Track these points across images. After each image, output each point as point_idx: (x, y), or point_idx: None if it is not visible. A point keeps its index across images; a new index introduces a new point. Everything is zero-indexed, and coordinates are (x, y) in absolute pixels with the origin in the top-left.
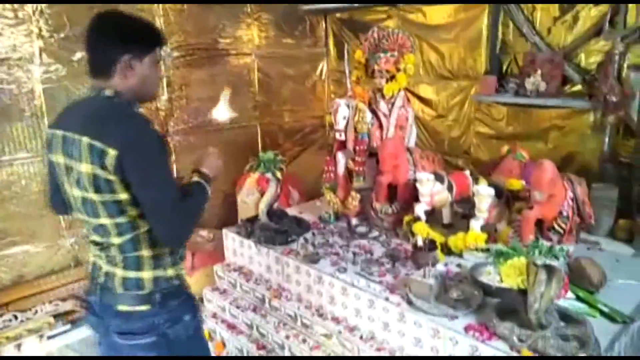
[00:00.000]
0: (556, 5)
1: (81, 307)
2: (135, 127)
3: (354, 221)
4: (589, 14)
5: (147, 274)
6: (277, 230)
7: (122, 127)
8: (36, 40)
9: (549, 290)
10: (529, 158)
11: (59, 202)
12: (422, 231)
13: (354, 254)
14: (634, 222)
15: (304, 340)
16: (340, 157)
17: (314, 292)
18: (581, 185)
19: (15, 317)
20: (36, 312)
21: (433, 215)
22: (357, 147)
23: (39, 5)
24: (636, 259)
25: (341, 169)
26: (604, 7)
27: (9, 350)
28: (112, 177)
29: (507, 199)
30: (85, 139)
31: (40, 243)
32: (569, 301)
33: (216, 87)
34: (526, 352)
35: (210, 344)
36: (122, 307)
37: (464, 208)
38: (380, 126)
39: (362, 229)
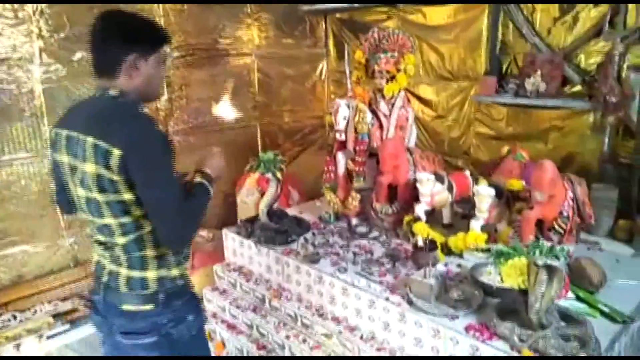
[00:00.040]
0: (556, 6)
1: (85, 306)
2: (140, 127)
3: (354, 221)
4: (589, 15)
5: (151, 274)
6: (277, 230)
7: (126, 127)
8: (36, 40)
9: (549, 290)
10: (529, 158)
11: (66, 202)
12: (423, 231)
13: (354, 254)
14: (633, 222)
15: (304, 340)
16: (341, 157)
17: (314, 292)
18: (581, 186)
19: (15, 317)
20: (35, 312)
21: (433, 216)
22: (358, 148)
23: (39, 5)
24: (636, 259)
25: (341, 169)
26: (603, 8)
27: (8, 350)
28: (116, 178)
29: (507, 199)
30: (90, 139)
31: (40, 243)
32: (569, 301)
33: (216, 87)
34: (527, 352)
35: (210, 344)
36: (126, 307)
37: (464, 208)
38: (381, 126)
39: (362, 229)
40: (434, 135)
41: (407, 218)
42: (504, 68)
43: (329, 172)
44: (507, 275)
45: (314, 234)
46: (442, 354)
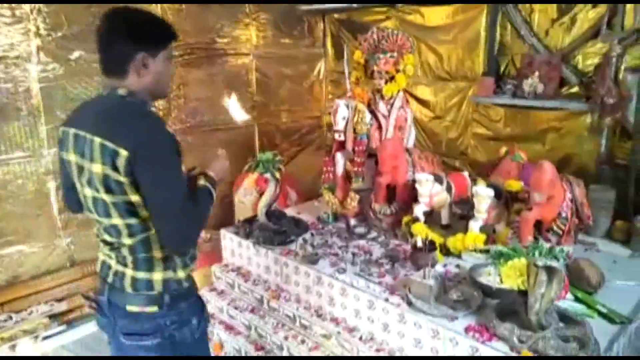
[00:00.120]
0: (554, 7)
1: (90, 307)
2: (148, 128)
3: (353, 222)
4: (587, 16)
5: (157, 275)
6: (276, 230)
7: (134, 127)
8: (34, 38)
9: (549, 291)
10: (527, 159)
11: (74, 201)
12: (421, 232)
13: (353, 254)
14: (630, 223)
15: (303, 341)
16: (339, 157)
17: (313, 293)
18: (579, 187)
19: (10, 318)
20: (31, 312)
21: (431, 216)
22: (356, 148)
23: (37, 4)
24: (633, 260)
25: (340, 170)
26: (601, 9)
27: (4, 351)
28: (122, 179)
29: (505, 200)
30: (98, 139)
31: (36, 243)
32: (567, 302)
33: (214, 87)
34: (526, 353)
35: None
36: (131, 308)
37: (463, 209)
38: (380, 127)
39: (360, 230)
40: (431, 136)
41: (405, 219)
42: (502, 69)
43: (327, 173)
44: (507, 276)
45: (312, 234)
46: (441, 355)
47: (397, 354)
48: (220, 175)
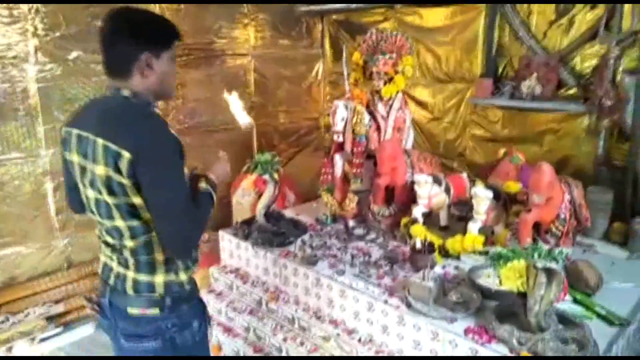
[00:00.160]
0: (552, 9)
1: (93, 309)
2: (151, 129)
3: (351, 223)
4: (585, 18)
5: (159, 278)
6: (275, 232)
7: (137, 129)
8: (31, 38)
9: (548, 293)
10: (525, 161)
11: (77, 201)
12: (420, 233)
13: (352, 256)
14: (628, 225)
15: (302, 343)
16: (338, 159)
17: (312, 295)
18: (578, 188)
19: (7, 319)
20: (28, 314)
21: (430, 218)
22: (355, 149)
23: (35, 4)
24: (631, 262)
25: (339, 171)
26: (599, 11)
27: (1, 353)
28: (125, 181)
29: (504, 202)
30: (101, 141)
31: (33, 244)
32: (566, 304)
33: (213, 87)
34: (525, 354)
35: None
36: (132, 310)
37: (461, 210)
38: (378, 128)
39: (359, 231)
40: (429, 137)
41: (404, 220)
42: (500, 70)
43: (326, 174)
44: (506, 278)
45: (311, 235)
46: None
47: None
48: (221, 178)
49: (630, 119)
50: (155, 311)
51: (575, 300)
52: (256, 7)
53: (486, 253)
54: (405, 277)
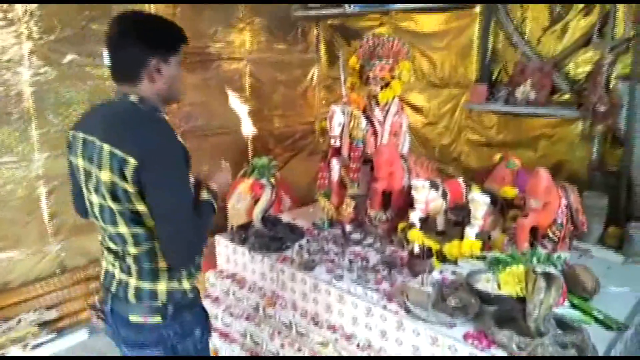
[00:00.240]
0: (546, 15)
1: (98, 317)
2: (158, 136)
3: (348, 228)
4: (578, 25)
5: (161, 286)
6: (272, 237)
7: (144, 135)
8: (26, 42)
9: (548, 298)
10: (520, 166)
11: (83, 206)
12: (417, 238)
13: (350, 261)
14: (622, 229)
15: (300, 349)
16: (335, 163)
17: (310, 300)
18: (574, 193)
19: None
20: (20, 320)
21: (427, 223)
22: (352, 154)
23: (29, 7)
24: (626, 266)
25: (335, 176)
26: (593, 18)
27: None
28: (129, 188)
29: (501, 207)
30: (107, 146)
31: (26, 249)
32: (563, 308)
33: (208, 91)
34: None
35: None
36: (133, 318)
37: (457, 215)
38: (375, 133)
39: (356, 236)
40: (424, 142)
41: (401, 225)
42: (495, 76)
43: (323, 179)
44: (505, 283)
45: (308, 240)
46: None
47: None
48: (222, 187)
49: (623, 124)
50: (157, 319)
51: (572, 305)
52: (252, 11)
53: (483, 258)
54: (403, 282)
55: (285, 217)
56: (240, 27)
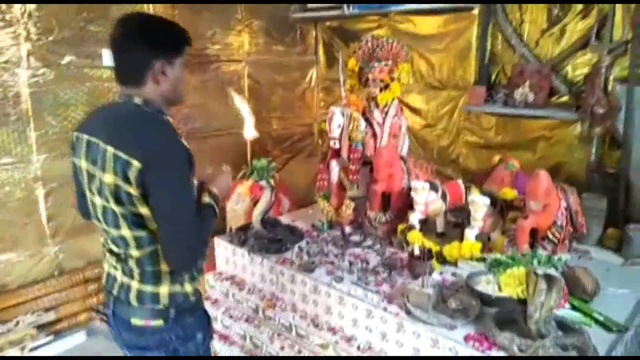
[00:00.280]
0: (544, 18)
1: (102, 320)
2: (162, 139)
3: (348, 229)
4: (576, 28)
5: (164, 289)
6: (271, 238)
7: (149, 138)
8: (24, 43)
9: (549, 300)
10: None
11: (87, 207)
12: (417, 240)
13: (350, 262)
14: (621, 231)
15: (299, 351)
16: (334, 165)
17: (310, 302)
18: (574, 195)
19: None
20: (18, 323)
21: (426, 224)
22: (352, 156)
23: (28, 8)
24: (625, 268)
25: (335, 177)
26: (590, 21)
27: None
28: (133, 191)
29: (501, 208)
30: (110, 149)
31: (24, 251)
32: (564, 310)
33: (207, 93)
34: None
35: None
36: (135, 321)
37: (457, 217)
38: (374, 135)
39: (356, 238)
40: (423, 144)
41: (400, 226)
42: (493, 78)
43: (322, 180)
44: (506, 285)
45: (308, 242)
46: None
47: None
48: (223, 191)
49: (621, 127)
50: (159, 322)
51: (573, 307)
52: (250, 13)
53: (483, 260)
54: (403, 284)
55: (284, 219)
56: (239, 28)
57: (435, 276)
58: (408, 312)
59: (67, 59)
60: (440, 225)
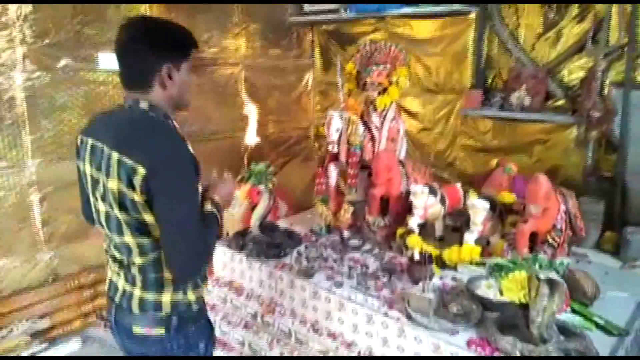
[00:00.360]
0: (540, 22)
1: (105, 326)
2: (168, 146)
3: (346, 234)
4: (572, 32)
5: (166, 297)
6: (270, 243)
7: (154, 144)
8: (19, 46)
9: (551, 304)
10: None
11: (92, 212)
12: (416, 244)
13: (350, 267)
14: (618, 234)
15: (299, 358)
16: (332, 169)
17: (309, 307)
18: (572, 199)
19: None
20: (11, 330)
21: (425, 229)
22: (350, 160)
23: (23, 11)
24: (624, 271)
25: (333, 181)
26: (586, 25)
27: None
28: (137, 198)
29: (500, 212)
30: (115, 154)
31: (17, 257)
32: (564, 314)
33: (203, 96)
34: None
35: None
36: (137, 330)
37: (455, 221)
38: (372, 139)
39: (354, 242)
40: (419, 147)
41: (399, 231)
42: (489, 82)
43: (320, 184)
44: (508, 289)
45: (306, 247)
46: None
47: None
48: (225, 199)
49: (617, 130)
50: (160, 331)
51: (573, 311)
52: (247, 16)
53: (482, 264)
54: (403, 289)
55: (282, 224)
56: (236, 32)
57: (436, 281)
58: (409, 317)
59: (62, 62)
60: (439, 229)
